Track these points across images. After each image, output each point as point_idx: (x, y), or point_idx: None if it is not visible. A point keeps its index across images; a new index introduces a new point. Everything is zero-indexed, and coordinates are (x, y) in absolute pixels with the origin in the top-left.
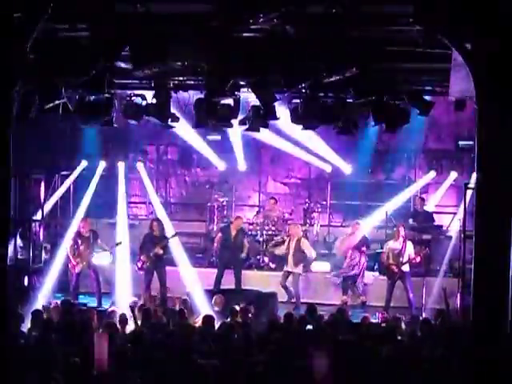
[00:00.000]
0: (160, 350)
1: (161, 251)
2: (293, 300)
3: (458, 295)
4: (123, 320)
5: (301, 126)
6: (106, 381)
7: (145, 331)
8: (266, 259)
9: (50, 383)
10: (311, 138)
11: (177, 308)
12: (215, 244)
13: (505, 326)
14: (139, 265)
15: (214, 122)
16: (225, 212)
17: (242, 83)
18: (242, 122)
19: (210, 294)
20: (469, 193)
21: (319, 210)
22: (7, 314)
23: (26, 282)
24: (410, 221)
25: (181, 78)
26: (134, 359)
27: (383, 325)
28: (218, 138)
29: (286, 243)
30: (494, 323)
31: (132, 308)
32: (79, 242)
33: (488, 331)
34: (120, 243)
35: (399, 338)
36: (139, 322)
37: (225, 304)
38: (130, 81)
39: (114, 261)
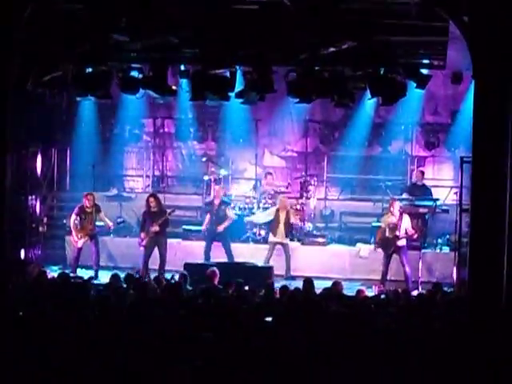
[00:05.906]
0: (156, 323)
1: (157, 228)
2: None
3: (455, 268)
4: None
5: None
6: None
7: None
8: (263, 232)
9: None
10: None
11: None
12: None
13: (500, 298)
14: (140, 242)
15: (211, 94)
16: (221, 185)
17: (239, 55)
18: (238, 95)
19: (204, 267)
20: (465, 166)
21: (316, 183)
22: None
23: (22, 255)
24: (405, 195)
25: (178, 51)
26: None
27: (382, 296)
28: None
29: (274, 214)
30: (489, 296)
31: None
32: (83, 216)
33: (484, 304)
34: (123, 222)
35: (395, 310)
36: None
37: (220, 278)
38: (127, 53)
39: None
